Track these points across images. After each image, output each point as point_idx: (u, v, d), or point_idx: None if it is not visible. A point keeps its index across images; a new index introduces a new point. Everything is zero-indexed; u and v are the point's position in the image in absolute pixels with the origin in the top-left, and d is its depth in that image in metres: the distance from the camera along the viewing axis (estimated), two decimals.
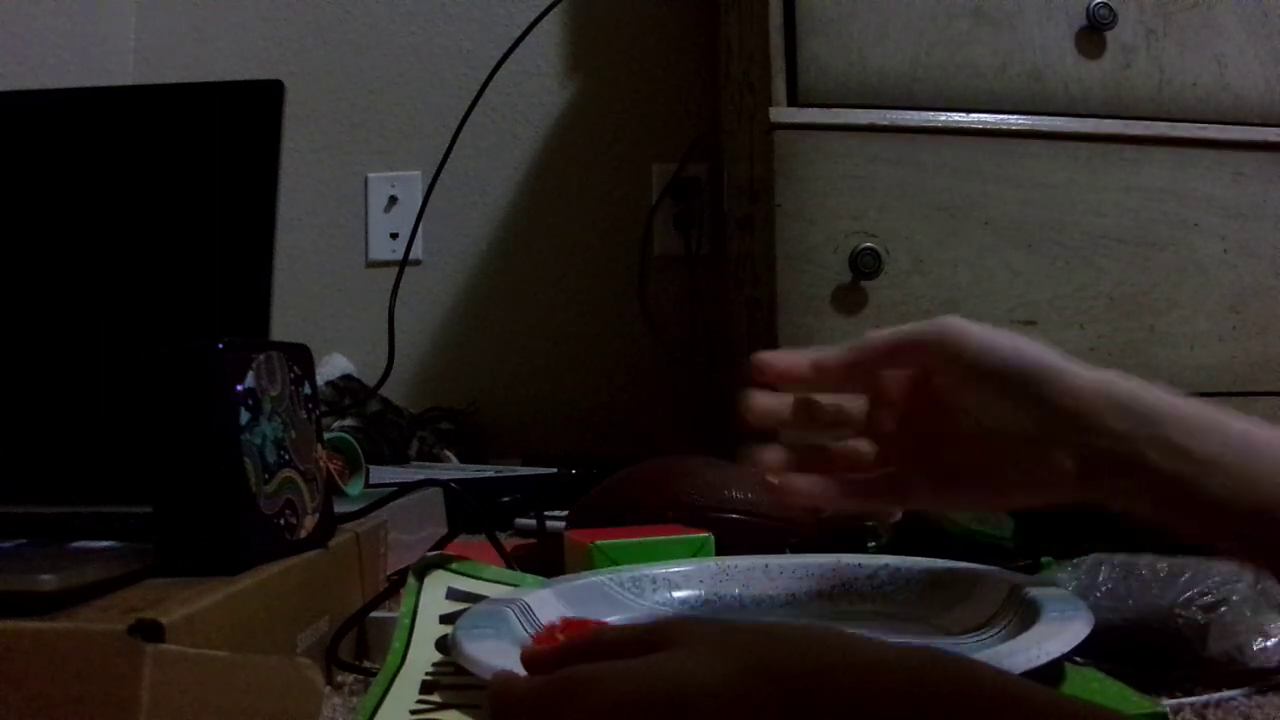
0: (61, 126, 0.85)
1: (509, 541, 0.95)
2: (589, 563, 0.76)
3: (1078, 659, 0.56)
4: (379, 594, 0.73)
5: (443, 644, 0.61)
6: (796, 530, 0.89)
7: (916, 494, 0.62)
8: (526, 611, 0.63)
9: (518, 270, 1.94)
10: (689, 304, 1.90)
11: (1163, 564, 0.67)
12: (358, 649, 0.71)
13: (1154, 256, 1.31)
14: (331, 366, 1.75)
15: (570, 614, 0.65)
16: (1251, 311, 1.32)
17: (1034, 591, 0.61)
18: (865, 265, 1.25)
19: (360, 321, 1.90)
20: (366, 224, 1.95)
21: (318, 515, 0.65)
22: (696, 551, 0.78)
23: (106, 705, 0.44)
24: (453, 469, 1.56)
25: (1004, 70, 1.31)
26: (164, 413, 0.57)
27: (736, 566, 0.75)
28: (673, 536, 0.79)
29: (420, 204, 1.53)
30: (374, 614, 0.71)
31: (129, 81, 1.91)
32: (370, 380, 1.62)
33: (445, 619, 0.64)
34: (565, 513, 0.99)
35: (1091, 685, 0.54)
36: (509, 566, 0.80)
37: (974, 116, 1.30)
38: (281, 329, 0.77)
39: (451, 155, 1.46)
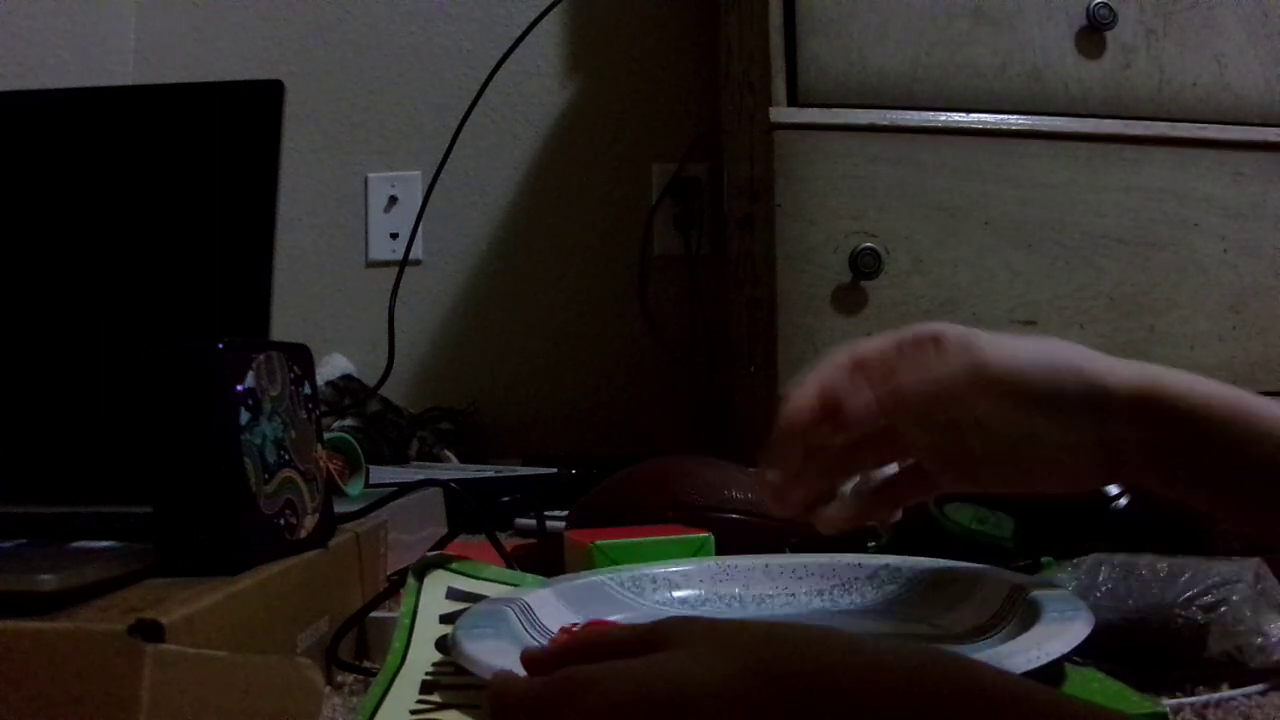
0: (61, 126, 0.85)
1: (509, 541, 0.95)
2: (589, 563, 0.76)
3: (1078, 659, 0.56)
4: (379, 594, 0.73)
5: (443, 644, 0.61)
6: (796, 530, 0.89)
7: (942, 483, 0.62)
8: (526, 611, 0.63)
9: (518, 270, 1.94)
10: (689, 304, 1.90)
11: (1163, 564, 0.67)
12: (358, 649, 0.70)
13: (1154, 256, 1.31)
14: (331, 366, 1.75)
15: (570, 614, 0.65)
16: (1251, 311, 1.32)
17: (1034, 591, 0.61)
18: (865, 265, 1.25)
19: (360, 321, 1.90)
20: (366, 224, 1.95)
21: (318, 515, 0.65)
22: (696, 551, 0.78)
23: (106, 705, 0.44)
24: (453, 469, 1.56)
25: (1004, 70, 1.31)
26: (164, 413, 0.57)
27: (736, 566, 0.75)
28: (673, 536, 0.79)
29: (420, 204, 1.53)
30: (374, 614, 0.70)
31: (129, 81, 1.91)
32: (370, 380, 1.62)
33: (445, 619, 0.64)
34: (565, 513, 0.99)
35: (1091, 685, 0.54)
36: (509, 566, 0.80)
37: (974, 116, 1.30)
38: (281, 329, 0.77)
39: (451, 155, 1.46)
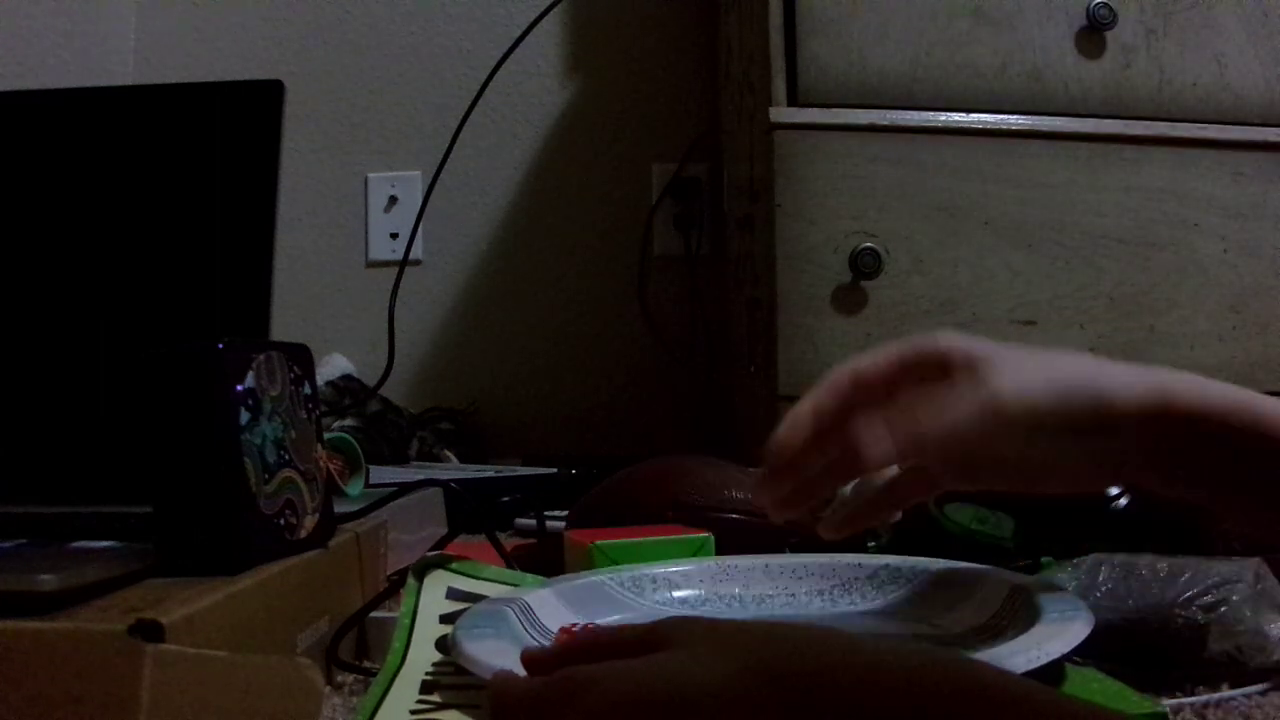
0: (61, 126, 0.85)
1: (509, 541, 0.94)
2: (589, 563, 0.76)
3: (1078, 659, 0.56)
4: (379, 594, 0.73)
5: (443, 644, 0.61)
6: (796, 530, 0.89)
7: (943, 484, 0.62)
8: (526, 611, 0.63)
9: (518, 270, 1.94)
10: (689, 304, 1.90)
11: (1163, 564, 0.67)
12: (358, 649, 0.70)
13: (1154, 256, 1.31)
14: (331, 366, 1.75)
15: (570, 614, 0.65)
16: (1251, 311, 1.32)
17: (1034, 592, 0.61)
18: (865, 265, 1.25)
19: (360, 321, 1.90)
20: (366, 224, 1.95)
21: (318, 515, 0.65)
22: (696, 551, 0.78)
23: (106, 705, 0.44)
24: (453, 469, 1.56)
25: (1004, 70, 1.31)
26: (164, 413, 0.57)
27: (736, 566, 0.75)
28: (673, 536, 0.79)
29: (420, 204, 1.53)
30: (374, 614, 0.70)
31: (129, 81, 1.91)
32: (370, 380, 1.62)
33: (445, 619, 0.64)
34: (565, 513, 0.99)
35: (1091, 685, 0.54)
36: (509, 566, 0.80)
37: (974, 116, 1.30)
38: (281, 329, 0.77)
39: (451, 155, 1.46)
